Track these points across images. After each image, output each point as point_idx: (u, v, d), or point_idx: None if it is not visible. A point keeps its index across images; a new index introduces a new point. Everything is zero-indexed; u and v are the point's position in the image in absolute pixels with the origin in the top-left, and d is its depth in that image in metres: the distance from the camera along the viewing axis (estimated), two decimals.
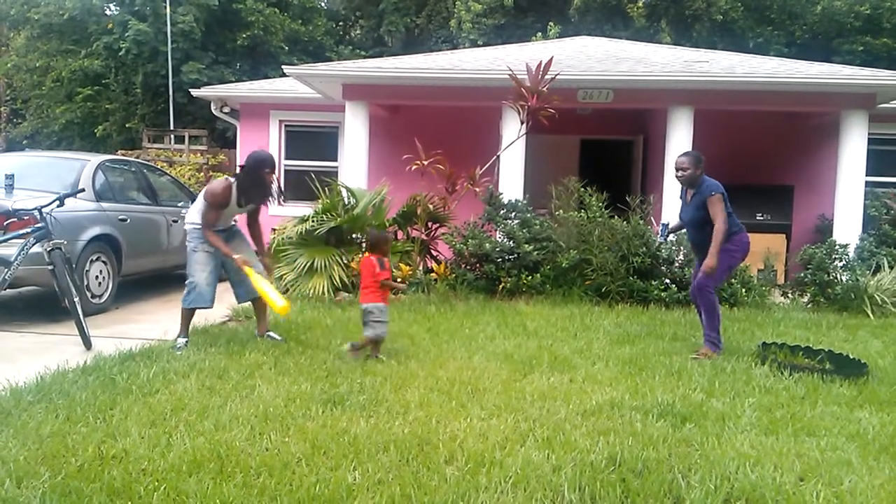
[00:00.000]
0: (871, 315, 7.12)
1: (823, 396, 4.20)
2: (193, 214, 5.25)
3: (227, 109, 11.99)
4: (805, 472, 3.01)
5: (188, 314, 5.25)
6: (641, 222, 7.74)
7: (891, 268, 7.87)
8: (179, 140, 13.94)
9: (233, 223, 5.53)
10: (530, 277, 7.58)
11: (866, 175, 9.03)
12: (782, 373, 4.68)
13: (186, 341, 5.16)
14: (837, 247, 7.80)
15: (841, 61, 16.01)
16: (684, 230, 5.82)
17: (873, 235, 8.75)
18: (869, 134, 9.02)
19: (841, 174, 9.03)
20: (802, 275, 7.77)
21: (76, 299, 5.30)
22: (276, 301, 4.90)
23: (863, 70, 9.69)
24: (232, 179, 5.16)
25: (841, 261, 7.75)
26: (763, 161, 10.40)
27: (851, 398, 4.21)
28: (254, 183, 5.18)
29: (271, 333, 5.42)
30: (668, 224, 5.81)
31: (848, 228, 8.84)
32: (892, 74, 9.10)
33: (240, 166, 5.25)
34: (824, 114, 9.76)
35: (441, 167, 7.68)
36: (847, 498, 2.77)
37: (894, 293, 7.41)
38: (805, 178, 10.60)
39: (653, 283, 7.43)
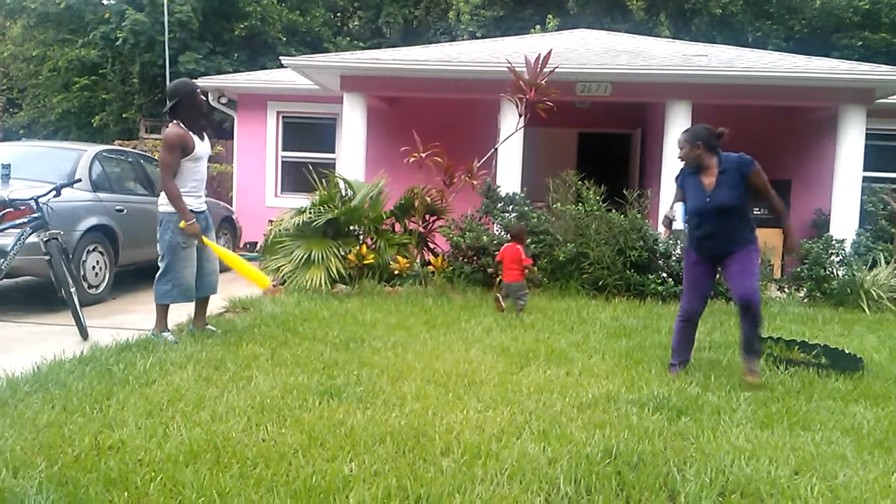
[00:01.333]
0: (867, 310, 7.14)
1: (819, 391, 4.22)
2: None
3: (224, 100, 11.94)
4: (800, 466, 3.03)
5: (166, 309, 5.13)
6: (639, 216, 7.75)
7: (887, 263, 7.89)
8: None
9: (204, 204, 5.25)
10: (527, 271, 7.57)
11: (864, 170, 9.04)
12: (778, 367, 4.69)
13: (170, 333, 5.12)
14: (834, 242, 7.82)
15: (839, 56, 16.03)
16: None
17: (870, 231, 8.78)
18: (867, 129, 9.03)
19: (838, 169, 9.04)
20: (799, 269, 7.78)
21: (73, 290, 5.30)
22: (260, 276, 5.02)
23: (861, 65, 9.68)
24: (176, 121, 4.94)
25: (837, 256, 7.77)
26: (761, 155, 10.20)
27: (847, 393, 4.22)
28: (196, 110, 5.06)
29: (209, 326, 5.36)
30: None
31: (845, 223, 8.85)
32: (891, 69, 9.09)
33: (170, 107, 4.97)
34: (822, 109, 9.76)
35: (439, 160, 7.67)
36: (841, 492, 2.78)
37: (890, 288, 7.43)
38: (802, 173, 10.61)
39: (650, 276, 7.44)
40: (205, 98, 5.12)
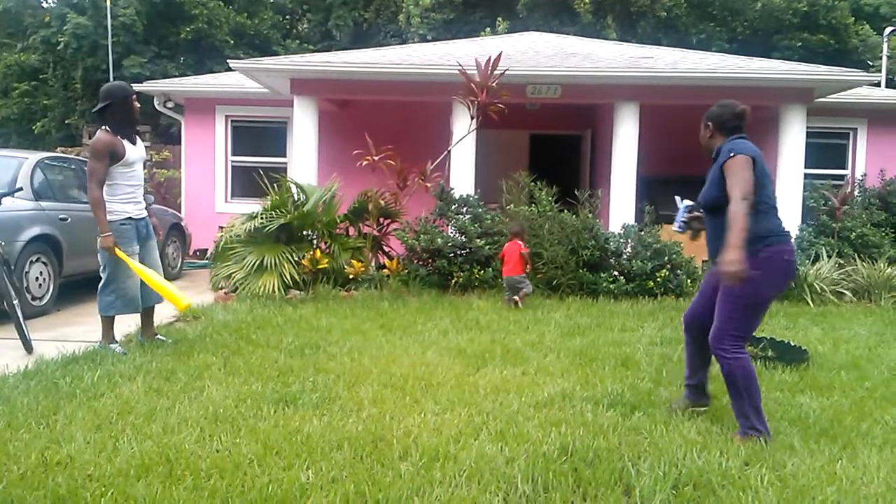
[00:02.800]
0: (810, 303, 7.36)
1: (766, 383, 4.33)
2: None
3: (170, 105, 11.72)
4: (750, 457, 3.10)
5: (112, 320, 4.97)
6: (590, 216, 7.86)
7: (829, 257, 8.15)
8: None
9: (144, 211, 5.05)
10: (482, 272, 7.62)
11: (805, 167, 9.32)
12: None
13: (118, 344, 4.98)
14: None
15: (780, 57, 16.52)
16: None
17: (812, 226, 9.05)
18: (807, 127, 9.31)
19: (781, 167, 9.30)
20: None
21: (16, 302, 5.13)
22: (177, 297, 4.75)
23: (801, 65, 9.99)
24: (104, 127, 4.75)
25: None
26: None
27: (793, 384, 4.35)
28: (127, 117, 4.84)
29: (159, 336, 5.23)
30: (688, 205, 3.92)
31: (788, 219, 9.01)
32: (829, 69, 9.40)
33: (99, 109, 4.79)
34: (765, 108, 10.03)
35: (392, 163, 7.66)
36: (790, 480, 2.86)
37: (833, 281, 7.69)
38: None
39: (602, 275, 7.55)
40: (139, 106, 4.92)
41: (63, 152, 11.89)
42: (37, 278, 6.45)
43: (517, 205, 8.12)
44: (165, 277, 5.21)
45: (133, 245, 4.89)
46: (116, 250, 4.74)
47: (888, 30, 17.12)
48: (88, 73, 17.97)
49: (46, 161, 7.26)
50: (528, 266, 7.17)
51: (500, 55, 7.55)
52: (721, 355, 3.37)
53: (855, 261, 8.15)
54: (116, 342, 4.99)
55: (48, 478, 2.74)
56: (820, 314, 6.90)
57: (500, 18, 19.01)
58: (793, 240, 8.10)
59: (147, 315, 5.21)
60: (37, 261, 6.46)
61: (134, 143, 4.91)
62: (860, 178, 10.84)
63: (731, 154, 3.35)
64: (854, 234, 8.75)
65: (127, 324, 5.29)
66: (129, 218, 4.87)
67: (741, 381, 3.32)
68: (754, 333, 3.94)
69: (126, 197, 4.88)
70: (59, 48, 17.75)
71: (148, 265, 4.99)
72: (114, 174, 4.78)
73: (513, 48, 10.54)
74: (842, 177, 11.01)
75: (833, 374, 4.61)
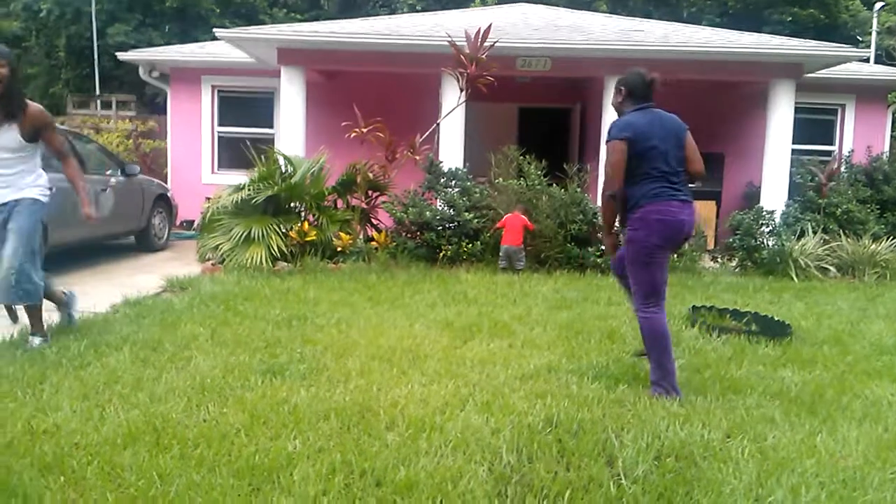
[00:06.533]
0: (795, 278, 7.43)
1: (749, 357, 4.39)
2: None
3: (156, 74, 11.56)
4: (731, 430, 3.15)
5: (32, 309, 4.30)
6: (579, 190, 7.86)
7: (814, 233, 8.21)
8: (106, 106, 13.39)
9: (7, 195, 4.30)
10: (471, 245, 7.63)
11: (793, 143, 9.35)
12: (711, 335, 4.86)
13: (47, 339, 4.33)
14: (764, 213, 8.10)
15: (770, 31, 16.45)
16: None
17: (798, 202, 9.11)
18: (796, 103, 9.33)
19: (769, 142, 9.33)
20: (731, 240, 8.04)
21: None
22: None
23: (791, 40, 9.98)
24: None
25: (767, 226, 8.05)
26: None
27: (776, 358, 4.40)
28: None
29: (33, 337, 4.34)
30: None
31: (775, 195, 9.16)
32: (819, 44, 9.39)
33: None
34: (754, 83, 10.03)
35: (381, 135, 7.60)
36: (770, 453, 2.91)
37: (817, 257, 7.75)
38: (735, 146, 10.91)
39: (589, 249, 7.57)
40: (14, 74, 4.11)
41: None
42: None
43: (506, 178, 8.11)
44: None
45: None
46: None
47: (878, 5, 17.10)
48: (72, 42, 17.64)
49: None
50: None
51: (489, 27, 7.48)
52: (635, 312, 3.69)
53: (840, 237, 8.22)
54: (38, 335, 4.33)
55: (34, 446, 2.74)
56: (804, 289, 6.96)
57: None
58: (778, 215, 8.24)
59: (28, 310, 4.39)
60: None
61: None
62: (847, 154, 10.89)
63: (607, 139, 3.51)
64: (840, 210, 8.81)
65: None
66: None
67: (648, 339, 3.57)
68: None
69: None
70: (41, 15, 17.39)
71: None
72: None
73: (503, 20, 10.44)
74: (829, 153, 11.05)
75: (815, 348, 4.67)
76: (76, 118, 13.04)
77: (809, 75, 9.57)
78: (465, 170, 8.33)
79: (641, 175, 3.49)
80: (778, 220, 8.43)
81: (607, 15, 13.90)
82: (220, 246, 7.45)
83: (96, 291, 6.08)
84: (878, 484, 2.68)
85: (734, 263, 8.01)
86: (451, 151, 8.91)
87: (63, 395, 3.31)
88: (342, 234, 7.60)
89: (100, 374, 3.62)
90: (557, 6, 14.63)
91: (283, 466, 2.63)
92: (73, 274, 7.09)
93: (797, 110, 9.38)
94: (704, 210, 9.76)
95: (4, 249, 4.14)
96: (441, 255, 7.65)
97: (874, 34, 16.68)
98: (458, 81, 7.72)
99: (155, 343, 4.27)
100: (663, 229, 3.49)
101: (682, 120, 3.71)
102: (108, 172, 8.06)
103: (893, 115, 11.65)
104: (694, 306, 5.63)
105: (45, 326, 4.44)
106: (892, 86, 11.52)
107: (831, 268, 7.73)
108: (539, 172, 7.98)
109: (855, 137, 11.18)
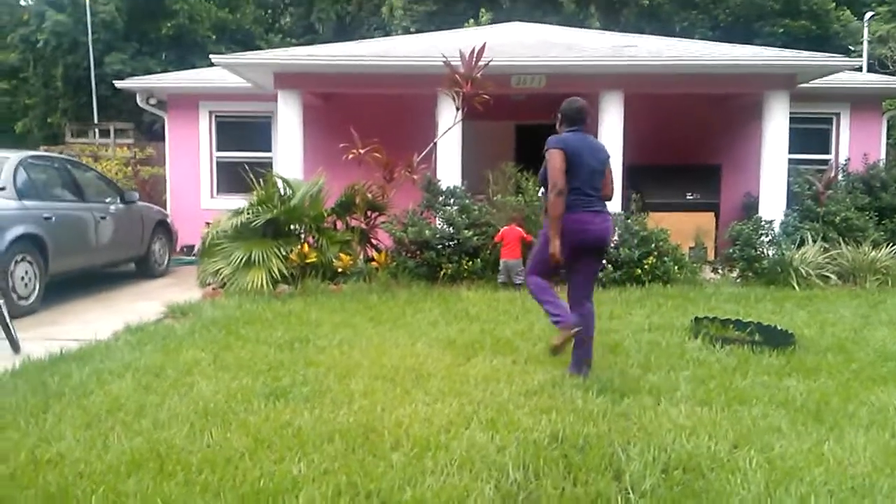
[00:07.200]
0: (796, 287, 7.42)
1: (754, 367, 4.37)
2: None
3: (153, 101, 11.61)
4: (738, 440, 3.14)
5: None
6: None
7: (814, 241, 8.21)
8: (104, 134, 13.44)
9: None
10: (471, 263, 7.63)
11: (789, 153, 9.38)
12: (714, 346, 4.85)
13: None
14: (763, 223, 8.11)
15: (762, 43, 16.59)
16: None
17: (797, 211, 9.11)
18: (791, 113, 9.37)
19: (765, 153, 9.36)
20: (731, 251, 8.04)
21: (1, 302, 5.07)
22: None
23: (783, 51, 10.05)
24: None
25: (767, 236, 8.06)
26: (691, 142, 10.69)
27: (780, 367, 4.39)
28: None
29: None
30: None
31: (773, 205, 9.17)
32: (811, 55, 9.45)
33: None
34: (748, 95, 10.09)
35: (378, 155, 7.63)
36: (778, 462, 2.90)
37: (818, 265, 7.75)
38: (731, 158, 10.95)
39: None
40: None
41: (46, 151, 11.78)
42: (22, 278, 6.39)
43: (504, 195, 8.13)
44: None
45: None
46: None
47: (868, 15, 17.22)
48: (69, 71, 17.78)
49: (29, 160, 7.19)
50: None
51: (483, 46, 7.53)
52: (526, 282, 4.35)
53: (840, 244, 8.22)
54: None
55: (38, 476, 2.73)
56: (806, 298, 6.95)
57: (483, 10, 18.98)
58: (777, 225, 8.26)
59: None
60: (22, 260, 6.40)
61: None
62: (844, 162, 10.91)
63: (546, 148, 4.11)
64: (838, 218, 8.82)
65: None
66: None
67: (537, 293, 4.19)
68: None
69: None
70: (38, 46, 17.54)
71: None
72: None
73: (497, 39, 10.50)
74: (825, 161, 11.07)
75: (819, 356, 4.65)
76: (75, 147, 13.08)
77: (803, 85, 9.62)
78: (463, 188, 8.35)
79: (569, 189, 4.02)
80: (777, 229, 8.44)
81: (600, 31, 14.02)
82: (221, 270, 7.45)
83: (98, 319, 6.08)
84: (888, 490, 2.66)
85: (735, 274, 8.01)
86: (449, 170, 8.94)
87: (66, 423, 3.30)
88: (342, 256, 7.60)
89: (102, 402, 3.61)
90: (550, 24, 14.76)
91: (288, 490, 2.62)
92: (75, 302, 7.09)
93: (792, 120, 9.42)
94: (703, 221, 9.78)
95: None
96: (441, 273, 7.65)
97: (865, 43, 16.79)
98: (454, 100, 7.76)
99: (157, 369, 4.25)
100: (572, 237, 3.99)
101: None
102: (108, 200, 8.08)
103: (888, 122, 11.71)
104: (696, 318, 5.62)
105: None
106: (886, 94, 11.58)
107: (832, 276, 7.72)
108: (536, 188, 8.00)
109: (851, 145, 11.21)
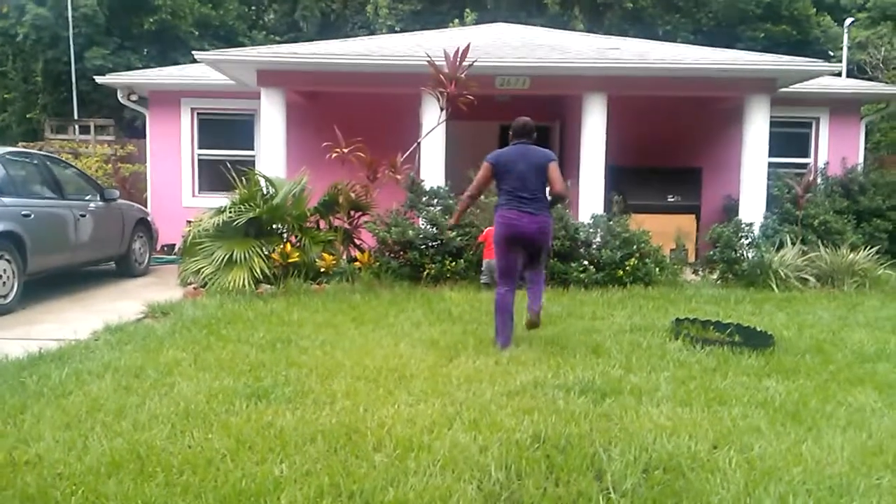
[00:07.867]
0: (775, 289, 7.50)
1: (733, 368, 4.42)
2: None
3: (134, 97, 11.51)
4: (718, 440, 3.17)
5: None
6: (560, 206, 7.89)
7: (793, 244, 8.31)
8: (85, 130, 13.30)
9: None
10: (454, 263, 7.64)
11: (769, 156, 9.48)
12: (695, 347, 4.89)
13: None
14: (743, 225, 8.20)
15: (744, 47, 16.75)
16: None
17: (776, 214, 9.21)
18: (771, 117, 9.47)
19: (745, 156, 9.46)
20: (711, 253, 8.12)
21: None
22: None
23: (764, 56, 10.15)
24: None
25: (747, 238, 8.15)
26: (673, 144, 10.77)
27: (759, 368, 4.44)
28: None
29: None
30: None
31: (753, 208, 9.27)
32: (792, 59, 9.56)
33: None
34: (730, 98, 10.18)
35: (362, 155, 7.62)
36: (757, 462, 2.93)
37: (797, 268, 7.84)
38: (712, 161, 11.04)
39: (572, 264, 7.61)
40: None
41: (25, 147, 11.64)
42: (0, 276, 6.31)
43: (488, 196, 8.13)
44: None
45: None
46: None
47: (848, 21, 17.44)
48: (49, 66, 17.59)
49: (7, 156, 7.10)
50: None
51: (468, 46, 7.55)
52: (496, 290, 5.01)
53: (818, 247, 8.31)
54: None
55: (17, 477, 2.70)
56: (785, 300, 7.03)
57: (468, 10, 19.02)
58: (756, 228, 8.35)
59: None
60: (0, 258, 6.32)
61: None
62: (823, 166, 11.05)
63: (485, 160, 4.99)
64: (817, 221, 8.92)
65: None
66: None
67: (497, 309, 4.91)
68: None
69: None
70: (18, 40, 17.35)
71: None
72: None
73: (481, 39, 10.54)
74: (805, 165, 11.19)
75: (798, 358, 4.71)
76: (54, 143, 12.94)
77: (784, 90, 9.73)
78: (446, 188, 8.36)
79: (501, 190, 4.93)
80: (757, 232, 8.53)
81: (584, 33, 14.08)
82: (202, 269, 7.40)
83: (77, 318, 6.02)
84: (865, 490, 2.70)
85: (715, 276, 8.08)
86: (433, 170, 8.95)
87: (45, 424, 3.26)
88: (325, 255, 7.58)
89: (82, 403, 3.57)
90: (535, 25, 14.81)
91: (270, 491, 2.61)
92: (53, 301, 7.01)
93: (772, 124, 9.52)
94: (684, 223, 9.85)
95: None
96: (425, 273, 7.65)
97: (845, 49, 17.00)
98: (439, 101, 7.77)
99: (137, 370, 4.22)
100: (503, 230, 4.83)
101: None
102: (88, 198, 8.00)
103: (867, 127, 11.86)
104: (677, 319, 5.66)
105: None
106: (864, 99, 11.75)
107: (811, 278, 7.82)
108: None
109: (830, 150, 11.35)
